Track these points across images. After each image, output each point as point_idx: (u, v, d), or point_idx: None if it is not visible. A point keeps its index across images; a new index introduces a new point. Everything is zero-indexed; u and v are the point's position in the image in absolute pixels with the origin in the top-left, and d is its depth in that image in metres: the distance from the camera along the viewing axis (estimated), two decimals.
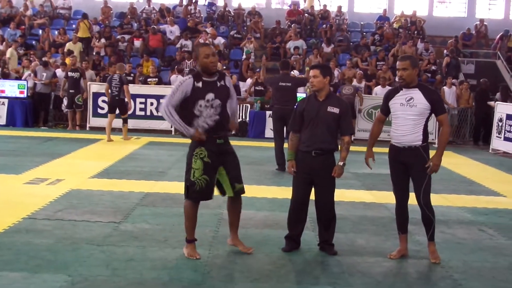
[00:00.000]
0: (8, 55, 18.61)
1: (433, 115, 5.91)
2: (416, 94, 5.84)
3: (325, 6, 24.71)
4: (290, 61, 18.34)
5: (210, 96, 5.60)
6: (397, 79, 6.88)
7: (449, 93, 17.42)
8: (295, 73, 16.72)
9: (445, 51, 21.67)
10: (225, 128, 5.83)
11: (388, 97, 6.06)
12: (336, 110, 5.97)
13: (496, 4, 26.73)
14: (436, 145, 6.43)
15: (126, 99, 14.20)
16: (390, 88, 6.34)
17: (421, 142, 5.85)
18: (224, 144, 5.79)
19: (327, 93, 6.05)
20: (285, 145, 10.82)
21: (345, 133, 6.06)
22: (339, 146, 6.04)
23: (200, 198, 5.75)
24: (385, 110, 6.10)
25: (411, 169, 5.91)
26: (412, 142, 5.84)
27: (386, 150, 6.06)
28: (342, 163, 6.00)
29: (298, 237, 6.22)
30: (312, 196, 6.12)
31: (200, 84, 5.61)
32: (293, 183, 6.19)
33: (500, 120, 15.44)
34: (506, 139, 15.17)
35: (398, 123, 5.91)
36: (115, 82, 14.05)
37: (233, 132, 6.44)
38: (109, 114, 14.45)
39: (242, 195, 5.98)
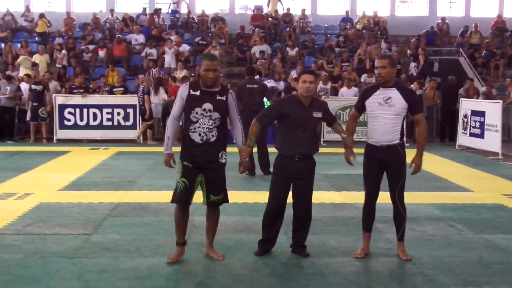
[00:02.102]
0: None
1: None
2: (394, 94, 5.87)
3: (288, 9, 24.83)
4: (256, 66, 18.39)
5: (208, 106, 5.68)
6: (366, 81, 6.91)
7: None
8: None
9: (408, 50, 21.89)
10: (222, 146, 5.88)
11: (365, 95, 6.04)
12: (320, 115, 6.03)
13: (456, 2, 27.15)
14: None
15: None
16: (366, 87, 6.35)
17: (398, 140, 5.91)
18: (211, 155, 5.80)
19: (311, 98, 6.05)
20: (255, 149, 10.90)
21: (333, 123, 6.17)
22: (335, 126, 6.14)
23: (179, 202, 5.82)
24: (360, 107, 6.11)
25: (388, 167, 5.95)
26: (390, 141, 5.88)
27: (358, 150, 6.12)
28: (346, 134, 6.10)
29: (274, 238, 6.21)
30: (289, 200, 6.12)
31: (197, 93, 5.71)
32: (271, 187, 6.14)
33: (465, 116, 15.64)
34: (471, 134, 15.38)
35: (376, 122, 5.92)
36: (140, 94, 16.00)
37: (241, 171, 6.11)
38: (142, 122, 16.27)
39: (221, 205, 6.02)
